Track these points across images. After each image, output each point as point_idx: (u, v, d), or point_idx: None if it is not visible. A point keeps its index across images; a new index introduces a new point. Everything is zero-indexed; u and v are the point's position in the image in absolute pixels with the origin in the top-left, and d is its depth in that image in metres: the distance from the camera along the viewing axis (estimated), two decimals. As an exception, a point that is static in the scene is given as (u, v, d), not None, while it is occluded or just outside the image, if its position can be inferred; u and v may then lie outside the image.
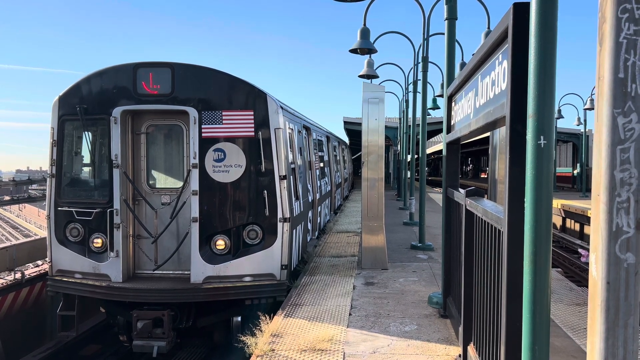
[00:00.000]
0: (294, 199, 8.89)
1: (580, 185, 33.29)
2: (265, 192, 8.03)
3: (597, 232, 1.94)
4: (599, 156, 1.93)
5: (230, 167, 8.08)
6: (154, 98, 8.17)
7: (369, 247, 9.82)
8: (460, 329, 5.27)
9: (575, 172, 38.67)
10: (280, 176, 8.09)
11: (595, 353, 1.94)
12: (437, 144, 62.39)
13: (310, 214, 11.63)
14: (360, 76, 14.95)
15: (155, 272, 8.35)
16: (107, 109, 8.20)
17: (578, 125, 33.13)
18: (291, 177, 8.77)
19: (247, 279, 8.04)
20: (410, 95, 20.74)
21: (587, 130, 32.66)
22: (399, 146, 29.83)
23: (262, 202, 8.06)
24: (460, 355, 5.33)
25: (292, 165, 9.20)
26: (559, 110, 33.35)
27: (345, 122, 36.71)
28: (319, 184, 13.60)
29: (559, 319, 6.74)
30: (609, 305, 1.90)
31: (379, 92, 9.79)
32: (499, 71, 3.65)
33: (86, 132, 8.34)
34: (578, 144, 36.63)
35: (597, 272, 1.94)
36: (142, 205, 8.51)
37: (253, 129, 8.08)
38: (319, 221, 13.60)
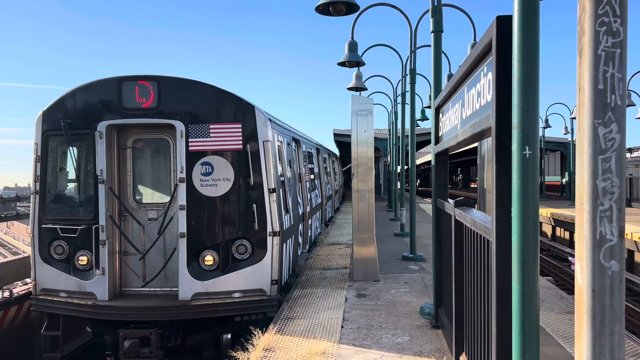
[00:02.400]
0: (283, 212, 8.72)
1: (569, 193, 33.58)
2: (255, 205, 7.87)
3: (581, 240, 1.97)
4: (582, 166, 1.96)
5: (218, 181, 7.91)
6: (139, 112, 8.03)
7: (360, 258, 9.82)
8: (452, 339, 5.28)
9: (563, 180, 39.01)
10: (269, 189, 7.93)
11: (582, 361, 1.95)
12: (427, 155, 62.71)
13: (300, 227, 11.38)
14: (349, 89, 15.06)
15: (143, 289, 8.18)
16: (91, 124, 8.04)
17: (565, 134, 33.48)
18: (280, 190, 8.61)
19: (237, 295, 7.86)
20: (399, 106, 20.91)
21: (574, 139, 33.00)
22: (388, 157, 29.96)
23: (251, 216, 7.88)
24: (452, 366, 5.33)
25: (282, 178, 9.06)
26: (547, 120, 33.72)
27: (335, 134, 36.81)
28: (309, 197, 13.35)
29: (550, 327, 6.76)
30: (594, 312, 1.92)
31: (368, 104, 9.87)
32: (484, 83, 3.70)
33: (71, 148, 8.19)
34: (566, 152, 36.99)
35: (582, 280, 1.96)
36: (129, 221, 8.35)
37: (241, 142, 7.94)
38: (309, 234, 13.34)
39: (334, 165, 26.63)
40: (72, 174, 8.44)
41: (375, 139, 27.59)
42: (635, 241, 16.43)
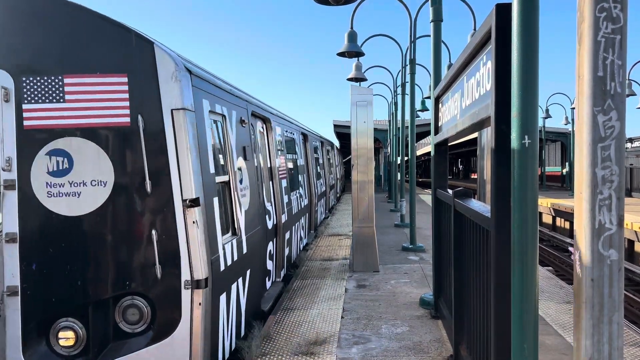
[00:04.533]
0: (221, 238, 5.13)
1: (570, 184, 33.58)
2: (155, 232, 4.44)
3: (580, 229, 1.95)
4: (581, 154, 1.95)
5: (82, 187, 4.46)
6: None
7: (360, 249, 9.83)
8: (452, 329, 5.29)
9: (564, 171, 39.02)
10: (186, 201, 4.46)
11: (581, 350, 1.95)
12: (427, 146, 62.66)
13: (270, 247, 7.80)
14: (349, 79, 15.02)
15: None
16: None
17: (566, 124, 33.46)
18: (215, 199, 5.05)
19: None
20: (399, 97, 20.86)
21: (574, 129, 32.92)
22: (389, 148, 29.94)
23: (149, 253, 4.46)
24: (451, 356, 5.34)
25: (222, 178, 5.52)
26: (547, 110, 33.67)
27: (335, 126, 36.86)
28: (287, 200, 9.44)
29: (549, 317, 6.77)
30: (593, 302, 1.92)
31: (367, 95, 9.83)
32: (484, 72, 3.67)
33: None
34: (566, 143, 36.97)
35: (581, 270, 1.95)
36: None
37: (127, 112, 4.48)
38: (286, 253, 9.27)
39: (329, 155, 22.52)
40: None
41: (375, 129, 27.58)
42: (635, 231, 16.45)
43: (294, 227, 10.22)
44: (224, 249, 5.18)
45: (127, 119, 4.49)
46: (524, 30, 2.67)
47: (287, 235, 9.36)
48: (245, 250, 6.01)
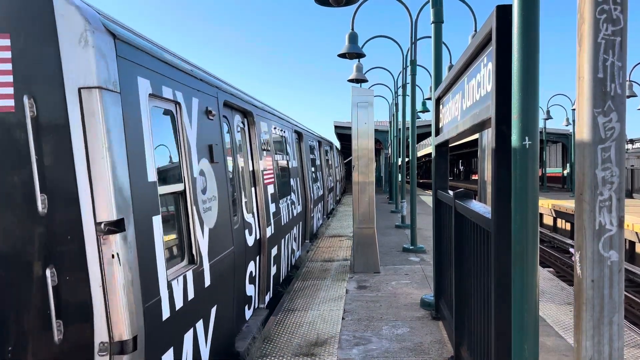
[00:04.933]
0: (165, 273, 3.71)
1: (570, 185, 33.58)
2: (51, 271, 3.07)
3: (580, 230, 1.96)
4: (581, 156, 1.95)
5: None
6: None
7: (360, 250, 9.83)
8: (452, 330, 5.29)
9: (565, 172, 39.02)
10: (101, 225, 3.06)
11: (581, 351, 1.95)
12: (428, 147, 62.71)
13: (251, 267, 6.49)
14: (350, 80, 15.02)
15: None
16: None
17: (567, 125, 33.45)
18: (156, 219, 3.62)
19: None
20: (400, 98, 20.86)
21: (575, 130, 32.92)
22: (389, 149, 29.95)
23: (41, 302, 3.07)
24: (452, 357, 5.34)
25: (173, 188, 4.24)
26: (548, 111, 33.69)
27: (335, 127, 36.89)
28: (274, 209, 7.99)
29: (550, 318, 6.77)
30: (593, 303, 1.92)
31: (368, 96, 9.84)
32: (485, 73, 3.68)
33: None
34: (567, 144, 36.98)
35: (581, 271, 1.95)
36: None
37: (11, 90, 3.07)
38: (273, 273, 7.88)
39: (328, 156, 20.80)
40: None
41: (376, 131, 27.57)
42: (636, 232, 16.43)
43: (283, 241, 8.76)
44: (169, 287, 3.74)
45: (10, 102, 3.05)
46: (524, 32, 2.67)
47: (275, 251, 7.90)
48: (208, 282, 4.61)
